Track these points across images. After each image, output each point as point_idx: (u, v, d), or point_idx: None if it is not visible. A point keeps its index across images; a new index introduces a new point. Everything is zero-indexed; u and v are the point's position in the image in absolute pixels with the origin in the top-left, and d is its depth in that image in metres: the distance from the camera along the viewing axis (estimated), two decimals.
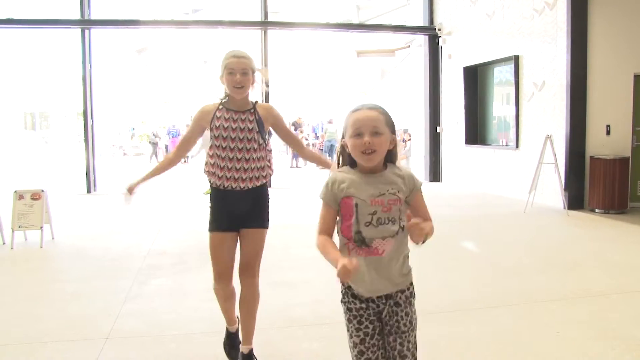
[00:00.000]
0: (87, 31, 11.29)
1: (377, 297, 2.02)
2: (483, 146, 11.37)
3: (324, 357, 3.32)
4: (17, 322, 3.90)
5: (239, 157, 2.91)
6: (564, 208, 8.30)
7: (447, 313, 4.01)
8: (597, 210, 8.29)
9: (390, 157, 2.04)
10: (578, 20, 8.41)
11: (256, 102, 3.02)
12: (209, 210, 3.04)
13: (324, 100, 30.10)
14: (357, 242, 1.97)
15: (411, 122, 14.98)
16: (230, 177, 2.91)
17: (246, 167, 2.92)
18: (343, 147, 2.06)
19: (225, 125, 2.91)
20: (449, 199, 10.09)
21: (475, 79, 11.67)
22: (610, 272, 5.08)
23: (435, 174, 12.87)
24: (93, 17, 11.46)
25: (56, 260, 5.88)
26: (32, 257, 5.99)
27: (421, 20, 13.02)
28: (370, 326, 2.03)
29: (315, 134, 19.06)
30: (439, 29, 12.41)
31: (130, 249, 6.18)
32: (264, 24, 11.92)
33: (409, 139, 15.90)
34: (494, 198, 10.00)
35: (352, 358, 2.07)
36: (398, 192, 1.97)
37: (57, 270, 5.41)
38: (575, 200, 8.50)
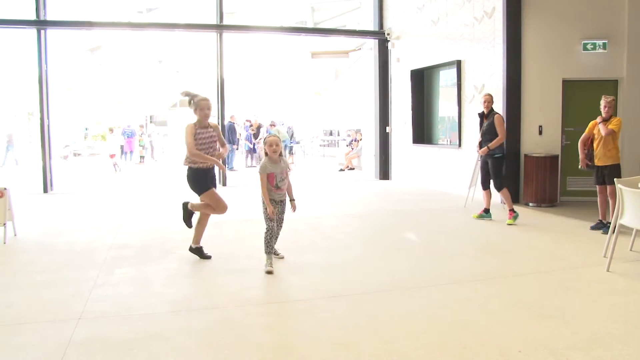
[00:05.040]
0: (42, 32, 11.36)
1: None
2: (429, 145, 12.04)
3: (275, 329, 3.79)
4: None
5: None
6: (501, 202, 8.97)
7: (385, 292, 4.54)
8: (530, 204, 9.04)
9: None
10: (513, 28, 9.14)
11: None
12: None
13: (280, 101, 30.52)
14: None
15: (363, 122, 15.53)
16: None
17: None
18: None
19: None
20: (397, 195, 10.70)
21: (422, 82, 12.34)
22: (531, 256, 5.76)
23: (384, 172, 13.48)
24: (49, 17, 11.53)
25: (21, 254, 6.10)
26: None
27: (372, 25, 13.61)
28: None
29: (269, 134, 19.45)
30: (388, 34, 13.01)
31: (94, 243, 6.47)
32: (220, 27, 12.21)
33: (361, 139, 16.46)
34: (439, 194, 10.66)
35: None
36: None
37: (23, 263, 5.66)
38: (511, 195, 9.16)
